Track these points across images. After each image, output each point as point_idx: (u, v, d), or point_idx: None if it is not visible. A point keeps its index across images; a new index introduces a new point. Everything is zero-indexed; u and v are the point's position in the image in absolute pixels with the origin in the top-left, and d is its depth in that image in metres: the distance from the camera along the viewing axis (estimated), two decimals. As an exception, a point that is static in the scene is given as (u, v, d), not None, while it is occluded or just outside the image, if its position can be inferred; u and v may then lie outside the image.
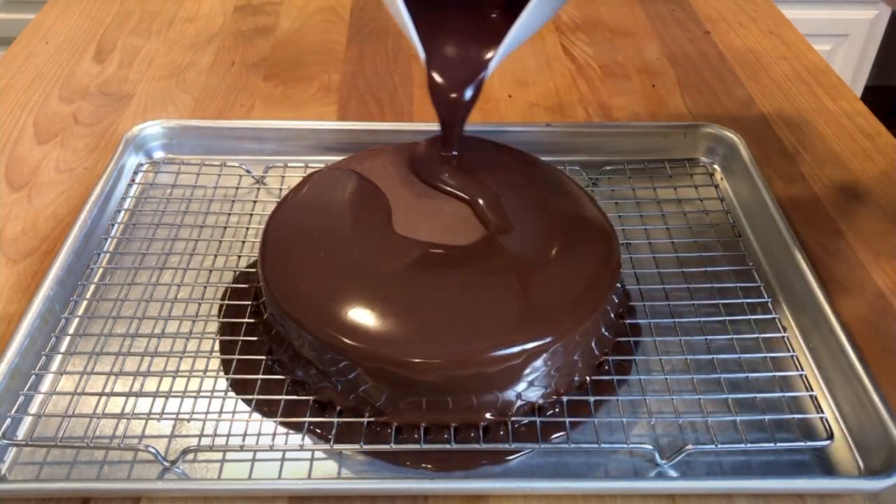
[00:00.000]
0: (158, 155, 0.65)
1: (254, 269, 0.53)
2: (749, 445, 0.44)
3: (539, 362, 0.45)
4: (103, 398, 0.46)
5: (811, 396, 0.46)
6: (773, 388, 0.47)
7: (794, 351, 0.49)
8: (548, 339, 0.44)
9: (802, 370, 0.47)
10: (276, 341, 0.48)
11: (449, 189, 0.54)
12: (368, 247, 0.50)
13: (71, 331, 0.51)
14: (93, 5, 0.89)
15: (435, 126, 0.65)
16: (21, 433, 0.45)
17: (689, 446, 0.44)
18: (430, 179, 0.55)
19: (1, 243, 0.58)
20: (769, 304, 0.52)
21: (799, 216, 0.60)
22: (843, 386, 0.47)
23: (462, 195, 0.54)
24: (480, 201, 0.53)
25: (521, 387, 0.45)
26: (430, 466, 0.44)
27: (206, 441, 0.44)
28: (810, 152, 0.67)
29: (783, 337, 0.50)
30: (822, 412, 0.45)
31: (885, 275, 0.56)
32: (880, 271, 0.56)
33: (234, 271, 0.54)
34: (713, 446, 0.44)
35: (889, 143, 0.69)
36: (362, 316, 0.45)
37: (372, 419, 0.45)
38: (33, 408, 0.46)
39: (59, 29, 0.84)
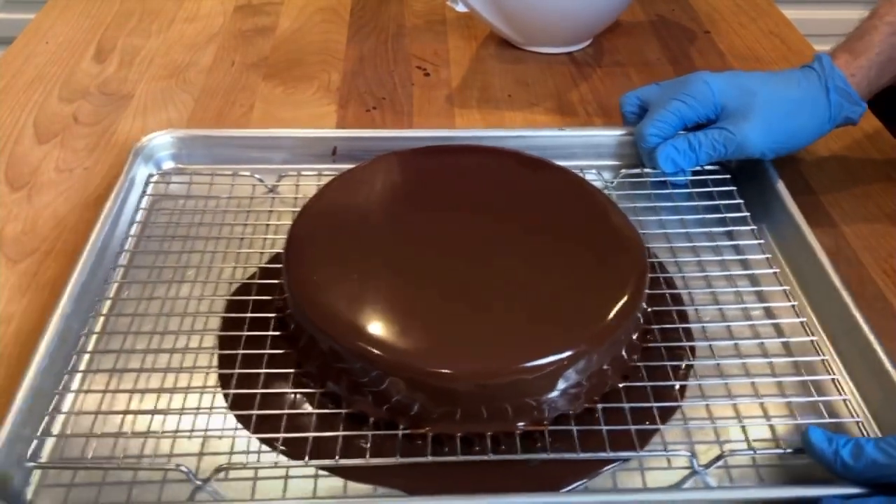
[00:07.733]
0: (168, 165, 0.63)
1: (275, 280, 0.52)
2: (785, 450, 0.44)
3: (570, 371, 0.44)
4: (129, 416, 0.45)
5: (844, 401, 0.47)
6: (805, 393, 0.47)
7: (823, 355, 0.49)
8: (580, 348, 0.44)
9: (833, 374, 0.48)
10: (304, 354, 0.47)
11: (475, 197, 0.54)
12: (395, 256, 0.49)
13: (90, 348, 0.49)
14: (93, 5, 0.88)
15: (451, 133, 0.65)
16: (45, 455, 0.44)
17: (727, 452, 0.43)
18: (454, 188, 0.54)
19: (1, 243, 0.57)
20: (794, 307, 0.52)
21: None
22: (875, 390, 0.47)
23: (489, 203, 0.53)
24: (508, 209, 0.52)
25: (552, 395, 0.45)
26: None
27: (238, 458, 0.43)
28: (811, 152, 0.67)
29: (812, 341, 0.50)
30: (857, 416, 0.46)
31: (885, 275, 0.56)
32: (880, 271, 0.56)
33: (255, 283, 0.52)
34: (750, 451, 0.44)
35: (889, 143, 0.69)
36: (393, 326, 0.45)
37: (407, 431, 0.44)
38: (56, 428, 0.45)
39: (59, 29, 0.83)
